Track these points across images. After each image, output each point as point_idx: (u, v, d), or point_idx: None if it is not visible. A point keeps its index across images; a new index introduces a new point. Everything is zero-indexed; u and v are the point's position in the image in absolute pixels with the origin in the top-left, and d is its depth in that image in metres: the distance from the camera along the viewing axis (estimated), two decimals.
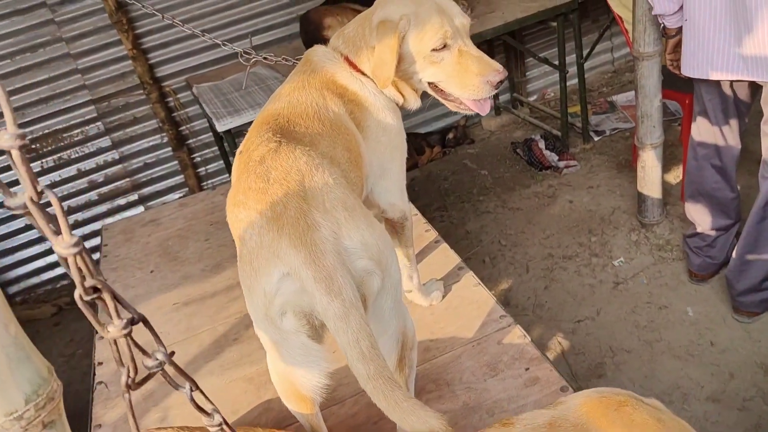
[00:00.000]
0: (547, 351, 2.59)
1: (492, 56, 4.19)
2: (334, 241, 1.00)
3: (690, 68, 2.22)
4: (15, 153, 0.45)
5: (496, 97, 4.33)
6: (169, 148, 3.84)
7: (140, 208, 3.84)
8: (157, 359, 0.55)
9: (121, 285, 2.08)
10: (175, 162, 3.89)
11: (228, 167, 3.65)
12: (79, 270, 0.46)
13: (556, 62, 3.60)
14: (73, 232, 0.48)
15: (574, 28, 3.48)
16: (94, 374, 1.73)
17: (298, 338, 1.06)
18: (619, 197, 3.34)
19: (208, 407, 0.62)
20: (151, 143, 3.81)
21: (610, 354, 2.52)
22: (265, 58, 2.33)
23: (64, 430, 0.53)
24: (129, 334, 0.52)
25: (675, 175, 3.35)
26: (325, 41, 1.50)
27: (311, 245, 0.98)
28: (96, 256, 2.86)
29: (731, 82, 2.19)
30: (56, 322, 3.48)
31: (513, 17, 3.28)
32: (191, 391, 0.58)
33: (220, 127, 2.83)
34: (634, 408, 0.88)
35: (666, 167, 3.12)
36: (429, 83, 1.42)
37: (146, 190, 3.87)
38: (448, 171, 3.96)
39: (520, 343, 1.52)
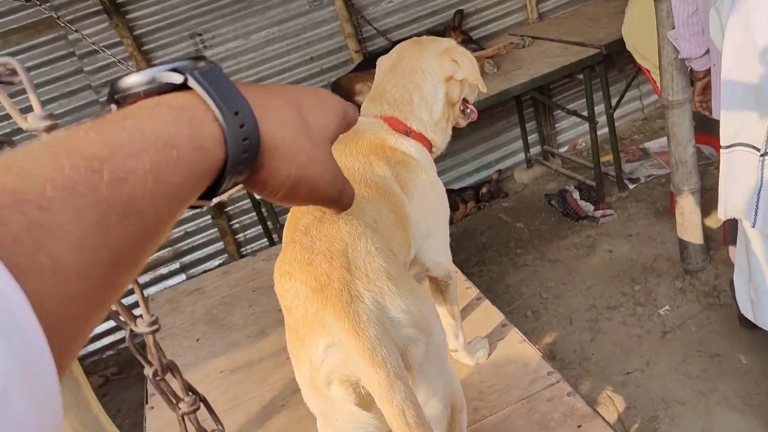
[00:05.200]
0: (597, 405, 2.53)
1: (521, 111, 4.27)
2: (378, 311, 1.02)
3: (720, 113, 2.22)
4: None
5: (527, 150, 4.37)
6: (209, 216, 3.94)
7: (182, 276, 3.92)
8: None
9: (170, 354, 2.10)
10: (215, 229, 3.98)
11: (266, 232, 3.73)
12: (157, 347, 0.49)
13: (585, 113, 3.63)
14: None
15: (601, 79, 3.52)
16: None
17: (345, 406, 1.06)
18: (660, 244, 3.30)
19: None
20: (191, 212, 3.89)
21: (663, 406, 2.45)
22: None
23: None
24: (196, 411, 0.55)
25: (715, 220, 3.30)
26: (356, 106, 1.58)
27: (354, 316, 1.00)
28: None
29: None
30: (104, 393, 3.52)
31: (539, 73, 3.33)
32: None
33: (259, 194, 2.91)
34: None
35: (705, 211, 3.08)
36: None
37: (187, 259, 3.96)
38: (484, 225, 3.97)
39: (570, 400, 1.49)
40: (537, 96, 3.92)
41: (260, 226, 3.85)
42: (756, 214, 1.81)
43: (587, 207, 3.67)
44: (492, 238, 3.83)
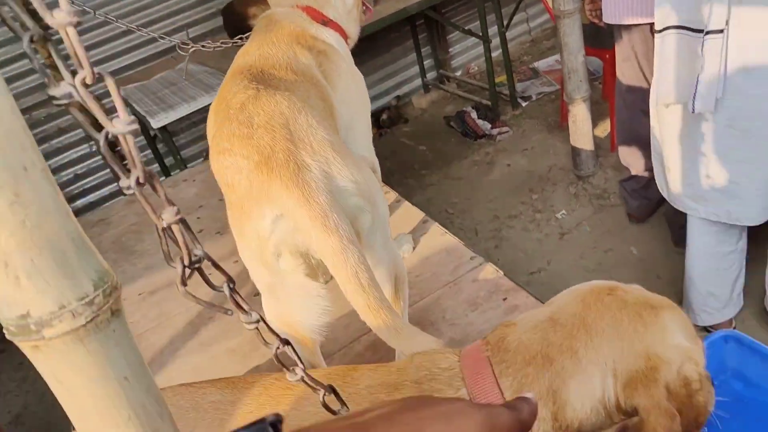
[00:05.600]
0: None
1: (416, 36, 4.27)
2: (326, 180, 1.03)
3: (611, 16, 2.34)
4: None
5: (423, 75, 4.42)
6: (99, 157, 3.72)
7: None
8: (197, 255, 0.57)
9: None
10: (107, 170, 3.77)
11: (163, 168, 3.59)
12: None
13: (479, 34, 3.70)
14: None
15: (493, 0, 3.60)
16: None
17: (295, 278, 1.07)
18: (554, 156, 3.48)
19: (245, 306, 0.64)
20: (79, 153, 3.69)
21: None
22: (203, 46, 2.33)
23: (126, 323, 0.53)
24: (182, 221, 0.54)
25: (602, 129, 3.52)
26: (249, 30, 1.55)
27: (303, 185, 1.00)
28: None
29: (650, 25, 2.32)
30: (1, 349, 3.32)
31: None
32: (230, 288, 0.60)
33: (156, 124, 2.78)
34: (624, 291, 0.93)
35: (594, 122, 3.27)
36: None
37: (79, 203, 3.74)
38: (387, 151, 4.01)
39: (494, 278, 1.58)
40: (433, 14, 3.95)
41: (156, 164, 3.69)
42: (695, 99, 1.71)
43: (485, 126, 3.79)
44: (396, 162, 3.89)
